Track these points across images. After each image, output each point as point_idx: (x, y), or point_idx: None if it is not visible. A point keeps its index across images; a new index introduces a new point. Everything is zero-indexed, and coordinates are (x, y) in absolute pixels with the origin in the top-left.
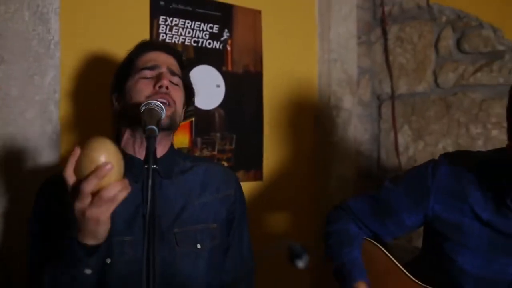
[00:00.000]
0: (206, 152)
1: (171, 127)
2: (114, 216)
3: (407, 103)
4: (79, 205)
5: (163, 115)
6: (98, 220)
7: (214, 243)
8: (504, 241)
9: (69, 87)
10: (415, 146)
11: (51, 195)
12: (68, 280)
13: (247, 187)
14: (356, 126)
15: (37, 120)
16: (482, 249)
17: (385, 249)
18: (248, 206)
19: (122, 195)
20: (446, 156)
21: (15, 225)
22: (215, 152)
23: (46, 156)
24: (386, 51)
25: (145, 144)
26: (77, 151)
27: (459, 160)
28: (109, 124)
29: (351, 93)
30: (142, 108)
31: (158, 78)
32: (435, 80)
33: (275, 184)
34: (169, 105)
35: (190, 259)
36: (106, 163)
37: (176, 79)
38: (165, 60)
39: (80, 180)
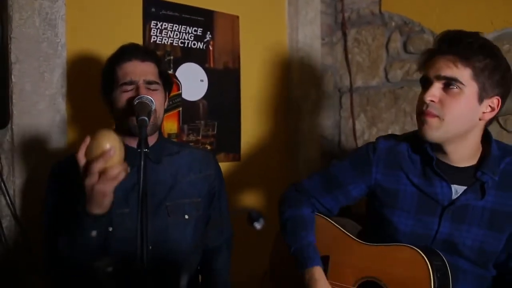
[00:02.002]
0: (191, 137)
1: (155, 130)
2: (115, 192)
3: (363, 95)
4: (89, 181)
5: (153, 107)
6: (104, 194)
7: (199, 214)
8: (428, 203)
9: (74, 83)
10: (369, 132)
11: (62, 174)
12: (78, 241)
13: (227, 167)
14: (320, 114)
15: (48, 111)
16: (413, 211)
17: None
18: (227, 183)
19: (123, 175)
20: (382, 137)
21: (30, 198)
22: (200, 137)
23: (55, 141)
24: (345, 50)
25: (135, 133)
26: (88, 139)
27: (392, 139)
28: (107, 114)
29: (316, 86)
30: (135, 101)
31: (137, 92)
32: (386, 76)
33: (251, 165)
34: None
35: (179, 227)
36: (110, 149)
37: (153, 86)
38: (141, 71)
39: (90, 161)
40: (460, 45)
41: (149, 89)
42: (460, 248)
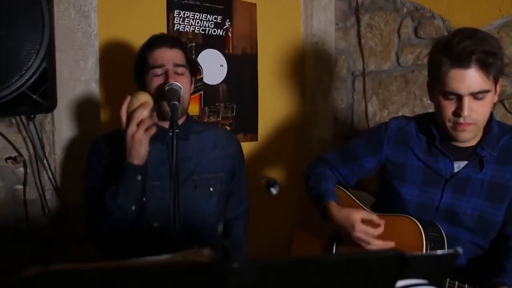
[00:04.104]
0: (212, 119)
1: (184, 112)
2: (149, 165)
3: (375, 79)
4: (130, 131)
5: (181, 92)
6: (141, 142)
7: (222, 187)
8: (432, 176)
9: (106, 69)
10: (381, 114)
11: (100, 150)
12: (125, 190)
13: (245, 146)
14: (334, 97)
15: (83, 95)
16: (418, 183)
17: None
18: (246, 161)
19: (154, 129)
20: (394, 118)
21: (69, 174)
22: (220, 119)
23: (90, 122)
24: (359, 35)
25: (164, 112)
26: (128, 97)
27: (403, 119)
28: None
29: (330, 70)
30: (166, 87)
31: (166, 76)
32: (397, 60)
33: (268, 144)
34: None
35: (205, 198)
36: (146, 101)
37: (180, 69)
38: (169, 57)
39: (130, 115)
40: (481, 56)
41: (176, 72)
42: (461, 217)
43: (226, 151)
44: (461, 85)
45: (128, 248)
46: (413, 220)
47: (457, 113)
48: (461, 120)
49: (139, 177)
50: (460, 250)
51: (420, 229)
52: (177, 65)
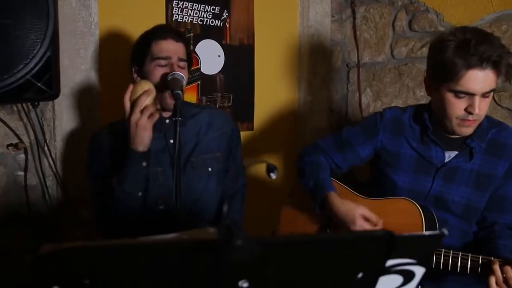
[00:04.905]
0: (208, 105)
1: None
2: (150, 151)
3: (369, 70)
4: (133, 118)
5: (184, 82)
6: (145, 128)
7: (219, 166)
8: (424, 164)
9: (106, 58)
10: (374, 105)
11: (101, 141)
12: (131, 177)
13: (241, 135)
14: (329, 88)
15: (83, 83)
16: (411, 170)
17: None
18: (242, 149)
19: (157, 115)
20: (389, 108)
21: (70, 160)
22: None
23: (90, 110)
24: (354, 27)
25: (164, 103)
26: (131, 86)
27: (397, 109)
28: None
29: (325, 61)
30: (169, 77)
31: (170, 68)
32: (391, 52)
33: (264, 134)
34: None
35: (204, 178)
36: (149, 88)
37: (183, 64)
38: (175, 50)
39: (133, 102)
40: (497, 59)
41: (179, 66)
42: (449, 204)
43: (222, 130)
44: (476, 85)
45: (135, 233)
46: (410, 201)
47: (468, 111)
48: (470, 117)
49: (144, 163)
50: (445, 231)
51: (418, 209)
52: (180, 59)
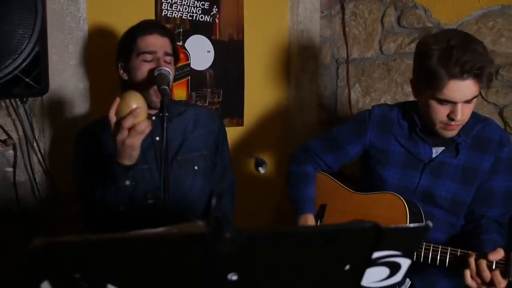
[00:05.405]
0: (199, 104)
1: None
2: (137, 166)
3: (358, 66)
4: (120, 136)
5: (171, 78)
6: (133, 147)
7: (206, 164)
8: (413, 160)
9: (95, 54)
10: (363, 101)
11: (88, 137)
12: (114, 190)
13: (231, 131)
14: (318, 84)
15: (72, 79)
16: (399, 166)
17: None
18: (232, 146)
19: (148, 130)
20: (377, 105)
21: (59, 156)
22: (206, 104)
23: (79, 105)
24: (343, 23)
25: (150, 101)
26: (117, 100)
27: (385, 107)
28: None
29: (315, 57)
30: (155, 73)
31: (157, 63)
32: (380, 48)
33: (253, 129)
34: None
35: (190, 176)
36: (137, 108)
37: (169, 58)
38: (161, 45)
39: (119, 120)
40: (477, 71)
41: (165, 61)
42: (437, 199)
43: (208, 128)
44: (457, 94)
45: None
46: (396, 196)
47: (451, 117)
48: (453, 122)
49: (127, 182)
50: (430, 223)
51: (403, 203)
52: (166, 54)
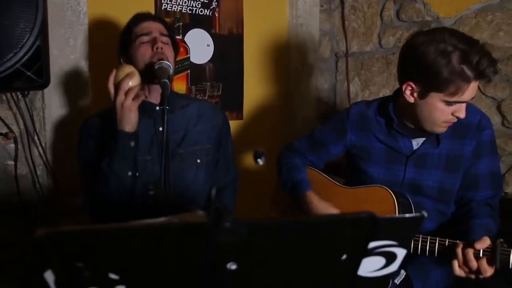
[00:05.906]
0: (199, 97)
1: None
2: (138, 133)
3: (357, 60)
4: (118, 100)
5: (171, 71)
6: (130, 109)
7: (208, 158)
8: (395, 155)
9: (95, 47)
10: (362, 94)
11: (91, 128)
12: (120, 153)
13: (231, 125)
14: (317, 77)
15: (73, 72)
16: (383, 162)
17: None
18: (232, 139)
19: (142, 96)
20: (355, 103)
21: (59, 150)
22: (206, 97)
23: (79, 99)
24: (343, 17)
25: (153, 91)
26: (114, 71)
27: (363, 105)
28: None
29: (314, 51)
30: (156, 66)
31: (154, 42)
32: (379, 42)
33: (253, 123)
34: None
35: (193, 170)
36: (132, 71)
37: (165, 39)
38: (155, 27)
39: (118, 84)
40: (490, 73)
41: (162, 41)
42: (424, 189)
43: (212, 122)
44: (470, 96)
45: (127, 219)
46: (385, 189)
47: (456, 115)
48: (455, 120)
49: (132, 143)
50: (425, 213)
51: (392, 196)
52: (162, 34)
